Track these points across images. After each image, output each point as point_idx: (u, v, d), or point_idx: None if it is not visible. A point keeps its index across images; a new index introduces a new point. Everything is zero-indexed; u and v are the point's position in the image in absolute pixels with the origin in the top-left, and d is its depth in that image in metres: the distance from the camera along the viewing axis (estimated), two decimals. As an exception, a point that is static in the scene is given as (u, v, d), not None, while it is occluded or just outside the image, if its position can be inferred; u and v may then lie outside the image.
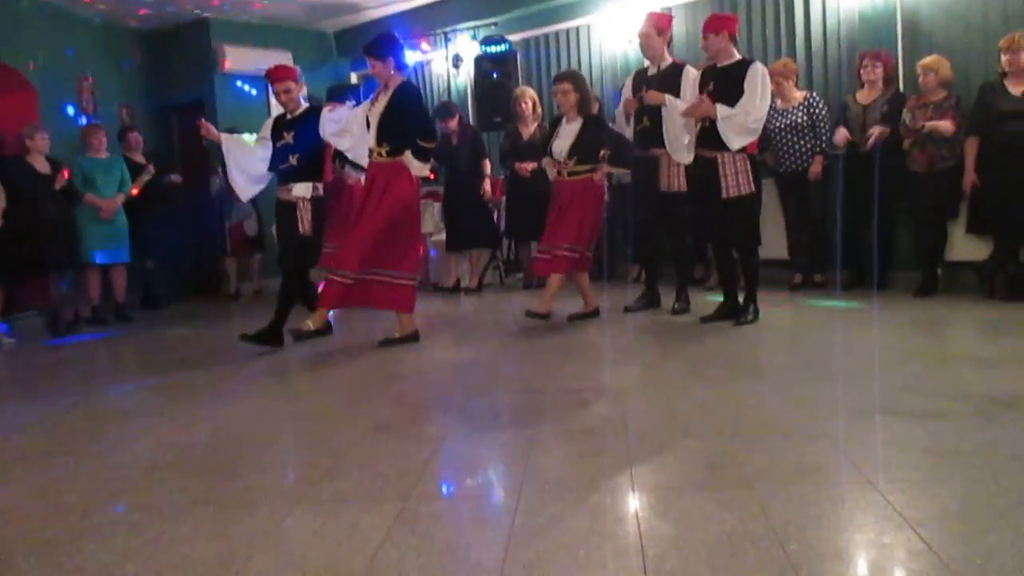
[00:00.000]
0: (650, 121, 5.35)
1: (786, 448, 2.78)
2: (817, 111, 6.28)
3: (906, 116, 5.81)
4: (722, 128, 4.86)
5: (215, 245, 8.74)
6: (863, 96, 6.15)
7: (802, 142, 6.32)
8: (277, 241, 5.66)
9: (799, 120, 6.30)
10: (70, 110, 8.03)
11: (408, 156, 4.99)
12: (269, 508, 2.50)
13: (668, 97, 5.16)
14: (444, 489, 2.64)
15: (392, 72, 5.01)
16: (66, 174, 6.67)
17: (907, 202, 6.04)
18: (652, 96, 5.22)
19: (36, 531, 2.45)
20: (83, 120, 8.00)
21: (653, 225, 5.68)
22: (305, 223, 5.25)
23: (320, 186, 5.33)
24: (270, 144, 5.38)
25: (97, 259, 7.04)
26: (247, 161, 5.48)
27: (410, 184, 5.05)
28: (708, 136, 4.99)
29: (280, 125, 5.39)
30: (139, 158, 7.59)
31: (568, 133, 5.50)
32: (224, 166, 8.30)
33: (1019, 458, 2.54)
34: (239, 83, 9.09)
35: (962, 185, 5.64)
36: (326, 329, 5.42)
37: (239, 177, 5.49)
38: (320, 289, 5.06)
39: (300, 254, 5.36)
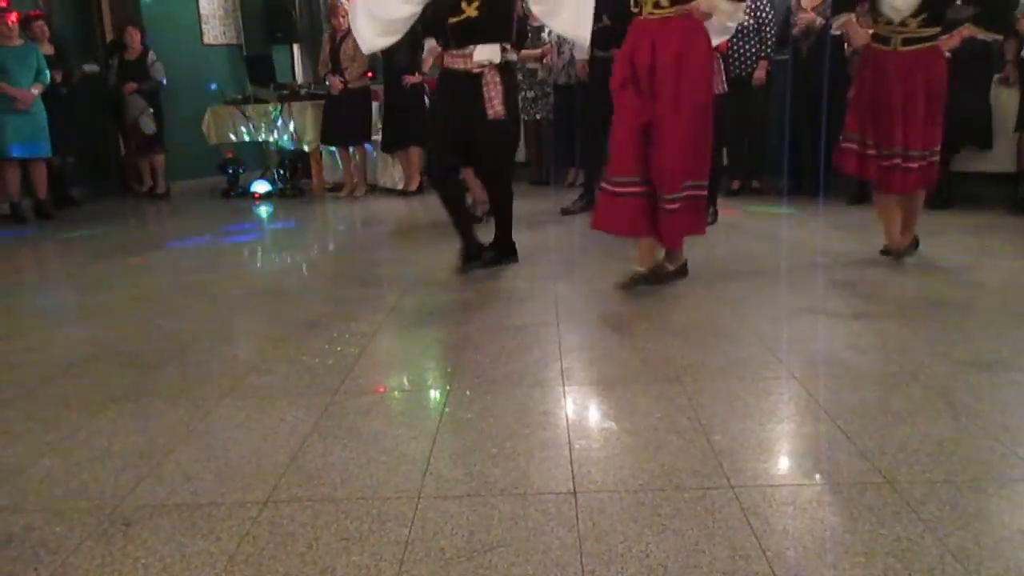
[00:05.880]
0: (611, 20, 5.09)
1: (715, 345, 2.81)
2: (763, 14, 6.18)
3: (851, 21, 5.75)
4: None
5: (113, 142, 8.16)
6: (807, 0, 6.06)
7: (747, 46, 6.23)
8: (432, 135, 4.21)
9: (745, 23, 6.18)
10: (-25, -8, 7.45)
11: None
12: (192, 402, 2.45)
13: None
14: (373, 383, 2.60)
15: None
16: None
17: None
18: None
19: (-55, 426, 2.36)
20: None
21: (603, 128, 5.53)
22: (495, 102, 3.82)
23: (511, 49, 3.90)
24: None
25: (14, 152, 6.66)
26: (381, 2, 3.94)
27: (708, 44, 3.47)
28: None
29: None
30: (47, 49, 7.11)
31: None
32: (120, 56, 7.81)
33: (935, 355, 2.61)
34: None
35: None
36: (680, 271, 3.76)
37: (365, 25, 3.97)
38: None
39: (492, 148, 3.97)
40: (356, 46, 7.11)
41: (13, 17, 6.75)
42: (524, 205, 5.83)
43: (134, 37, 7.89)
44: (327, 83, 7.36)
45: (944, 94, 3.80)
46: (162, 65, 8.02)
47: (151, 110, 7.91)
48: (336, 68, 7.22)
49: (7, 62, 6.58)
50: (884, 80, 3.77)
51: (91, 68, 7.57)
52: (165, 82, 8.05)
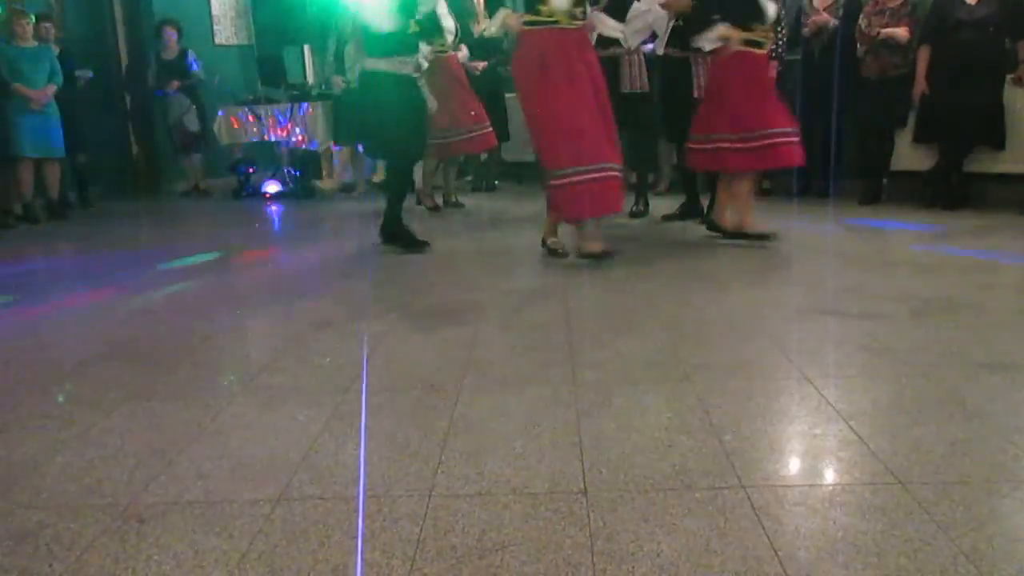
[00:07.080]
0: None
1: (727, 345, 2.81)
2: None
3: (862, 22, 5.75)
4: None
5: (154, 141, 8.33)
6: (820, 0, 6.05)
7: (757, 46, 6.21)
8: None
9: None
10: (-10, -6, 7.50)
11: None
12: (204, 401, 2.46)
13: None
14: (384, 382, 2.61)
15: None
16: None
17: (857, 109, 6.03)
18: None
19: (-40, 423, 2.37)
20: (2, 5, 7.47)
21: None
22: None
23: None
24: None
25: (28, 152, 6.70)
26: None
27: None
28: (681, 35, 4.85)
29: None
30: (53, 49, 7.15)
31: None
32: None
33: (948, 356, 2.60)
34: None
35: (912, 94, 5.65)
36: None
37: None
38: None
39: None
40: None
41: (26, 18, 6.79)
42: (536, 205, 5.84)
43: (171, 36, 7.95)
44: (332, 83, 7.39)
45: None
46: (201, 63, 8.09)
47: (195, 107, 7.99)
48: (340, 68, 7.22)
49: (22, 63, 6.62)
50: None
51: (84, 73, 7.56)
52: (204, 77, 8.11)
